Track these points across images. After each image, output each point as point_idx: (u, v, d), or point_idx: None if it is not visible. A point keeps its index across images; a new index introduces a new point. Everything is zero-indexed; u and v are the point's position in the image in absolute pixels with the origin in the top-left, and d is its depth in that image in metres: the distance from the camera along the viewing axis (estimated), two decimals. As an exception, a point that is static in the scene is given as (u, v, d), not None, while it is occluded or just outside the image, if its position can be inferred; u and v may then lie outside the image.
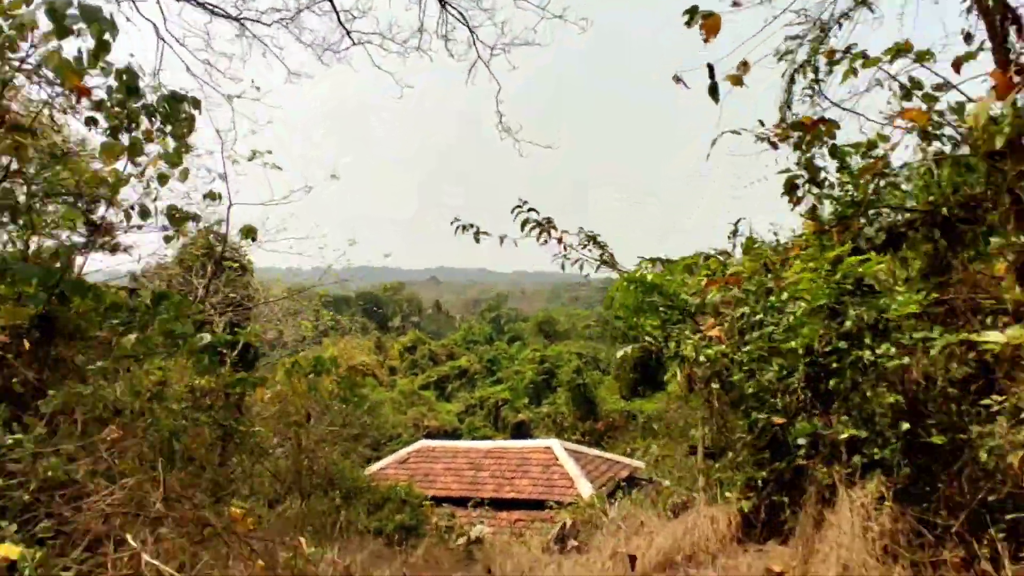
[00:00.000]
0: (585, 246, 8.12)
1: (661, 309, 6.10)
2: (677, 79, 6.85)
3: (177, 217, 6.22)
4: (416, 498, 18.57)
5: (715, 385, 5.32)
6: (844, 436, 4.14)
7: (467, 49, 9.68)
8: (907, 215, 5.23)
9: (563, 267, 8.44)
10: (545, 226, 7.80)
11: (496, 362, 49.44)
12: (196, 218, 6.41)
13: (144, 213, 6.69)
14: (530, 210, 7.46)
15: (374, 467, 21.28)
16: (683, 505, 7.13)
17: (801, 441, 4.36)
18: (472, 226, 8.20)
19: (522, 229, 7.65)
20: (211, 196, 7.25)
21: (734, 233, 7.58)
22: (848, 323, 4.42)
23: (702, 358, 5.13)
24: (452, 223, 8.33)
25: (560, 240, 8.03)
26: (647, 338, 5.96)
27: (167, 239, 6.84)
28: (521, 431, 34.90)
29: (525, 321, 76.94)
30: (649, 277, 6.25)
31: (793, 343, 4.58)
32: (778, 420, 4.59)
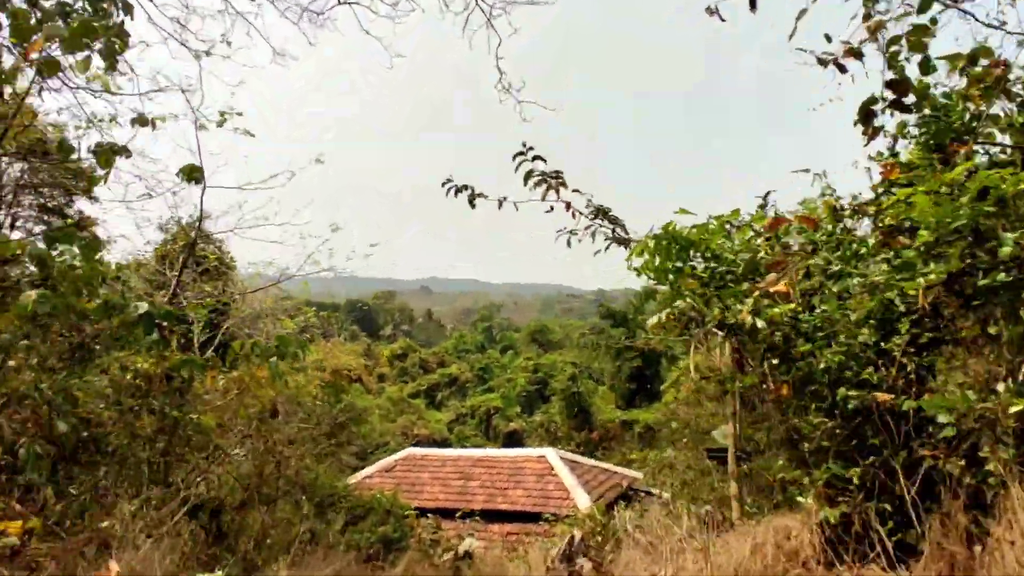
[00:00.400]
0: (595, 218, 6.90)
1: (701, 268, 4.88)
2: (711, 11, 5.73)
3: (102, 152, 5.04)
4: (401, 509, 17.26)
5: (773, 360, 4.11)
6: (1018, 408, 2.93)
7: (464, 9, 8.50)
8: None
9: (569, 243, 7.18)
10: (552, 182, 6.55)
11: (488, 370, 48.12)
12: (124, 151, 5.17)
13: (67, 149, 5.50)
14: (535, 158, 6.24)
15: (358, 475, 19.95)
16: (708, 518, 5.87)
17: (944, 419, 3.15)
18: (467, 187, 6.95)
19: (525, 183, 6.41)
20: (188, 173, 6.06)
21: (763, 206, 6.42)
22: (1005, 248, 3.21)
23: (760, 323, 3.93)
24: (443, 184, 7.06)
25: (568, 206, 6.79)
26: (685, 300, 4.70)
27: (92, 181, 5.57)
28: (513, 440, 33.62)
29: (518, 331, 75.72)
30: (685, 232, 5.03)
31: (915, 282, 3.36)
32: (883, 397, 3.39)
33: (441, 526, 15.00)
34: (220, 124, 8.81)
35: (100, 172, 5.29)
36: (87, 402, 5.37)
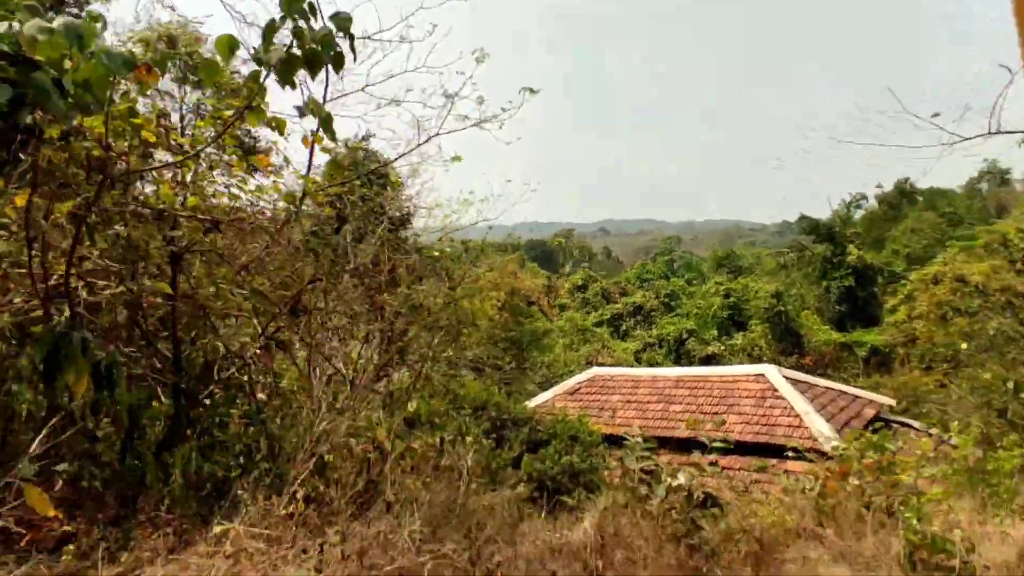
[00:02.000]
0: None
1: None
2: None
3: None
4: (590, 435, 14.52)
5: None
6: None
7: None
8: None
9: None
10: None
11: (675, 296, 44.12)
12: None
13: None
14: None
15: (536, 400, 17.42)
16: None
17: None
18: None
19: None
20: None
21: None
22: None
23: None
24: None
25: None
26: None
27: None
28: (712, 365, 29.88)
29: (698, 269, 70.38)
30: None
31: None
32: None
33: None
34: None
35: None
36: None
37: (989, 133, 6.26)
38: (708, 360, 30.45)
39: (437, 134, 8.92)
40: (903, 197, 55.12)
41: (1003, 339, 18.29)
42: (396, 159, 9.14)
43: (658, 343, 35.80)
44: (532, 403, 16.83)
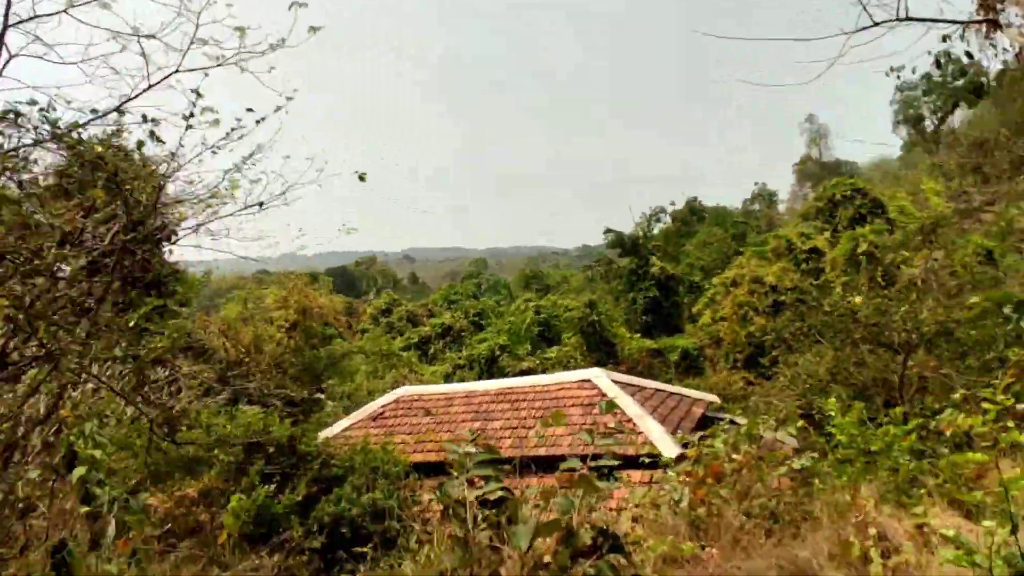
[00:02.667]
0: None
1: None
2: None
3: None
4: (396, 465, 12.09)
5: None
6: None
7: None
8: None
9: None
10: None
11: (485, 315, 42.77)
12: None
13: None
14: None
15: (331, 429, 14.65)
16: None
17: None
18: None
19: None
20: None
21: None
22: None
23: None
24: None
25: None
26: None
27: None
28: (527, 382, 28.53)
29: (507, 287, 70.33)
30: None
31: None
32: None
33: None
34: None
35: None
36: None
37: (898, 19, 4.93)
38: (524, 375, 29.19)
39: (176, 71, 6.19)
40: (692, 214, 58.72)
41: (797, 333, 18.49)
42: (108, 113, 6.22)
43: (469, 364, 34.04)
44: (326, 433, 14.04)
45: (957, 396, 5.94)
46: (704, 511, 5.92)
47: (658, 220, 52.29)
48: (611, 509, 8.60)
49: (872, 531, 5.01)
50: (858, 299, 11.92)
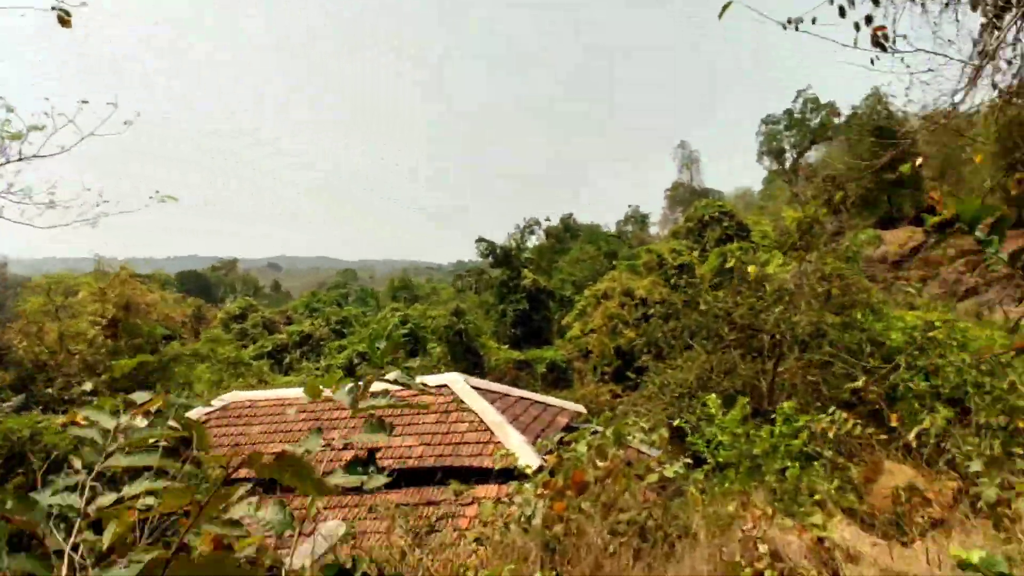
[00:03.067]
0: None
1: None
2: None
3: None
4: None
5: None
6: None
7: None
8: None
9: None
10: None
11: (348, 324, 40.46)
12: None
13: None
14: None
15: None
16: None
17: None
18: None
19: None
20: None
21: None
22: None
23: None
24: None
25: None
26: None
27: None
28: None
29: (374, 297, 67.86)
30: None
31: None
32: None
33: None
34: None
35: None
36: None
37: None
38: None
39: None
40: (567, 231, 59.03)
41: (666, 344, 18.21)
42: None
43: (326, 373, 31.80)
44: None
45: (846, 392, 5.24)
46: (561, 528, 4.78)
47: (532, 232, 52.07)
48: (458, 529, 7.32)
49: (763, 548, 4.06)
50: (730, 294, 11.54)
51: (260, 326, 41.72)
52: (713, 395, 6.24)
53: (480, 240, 39.73)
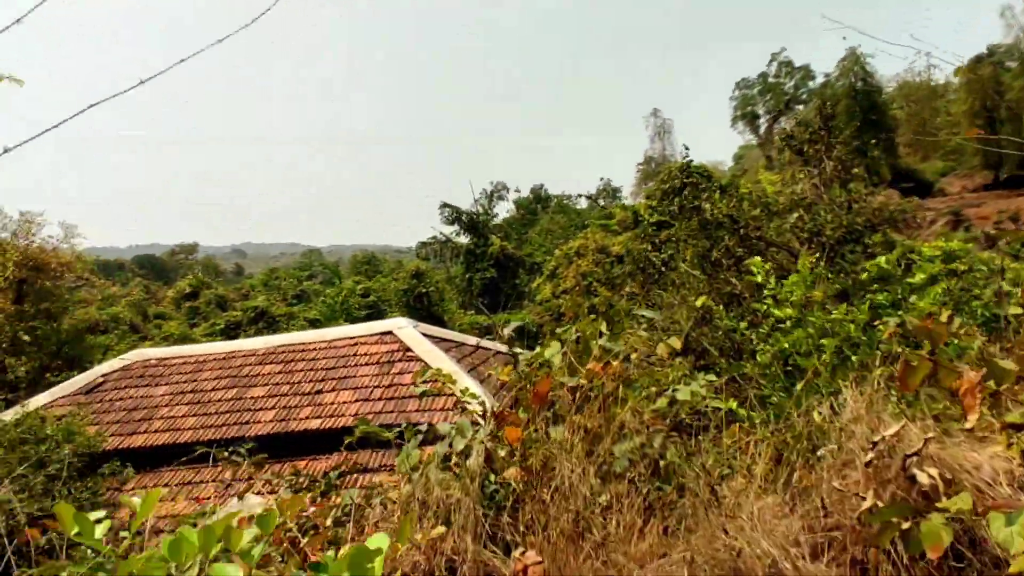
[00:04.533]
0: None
1: None
2: None
3: None
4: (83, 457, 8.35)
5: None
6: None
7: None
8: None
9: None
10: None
11: (305, 297, 38.18)
12: None
13: None
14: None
15: (28, 404, 10.35)
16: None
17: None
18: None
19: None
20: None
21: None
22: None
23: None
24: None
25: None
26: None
27: None
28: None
29: (337, 273, 65.24)
30: None
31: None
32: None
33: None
34: None
35: None
36: None
37: None
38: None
39: None
40: (537, 202, 57.05)
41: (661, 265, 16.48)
42: None
43: (282, 348, 29.59)
44: (7, 415, 9.80)
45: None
46: (517, 472, 2.85)
47: (501, 198, 49.76)
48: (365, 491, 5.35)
49: (930, 472, 2.12)
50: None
51: (212, 303, 39.22)
52: (758, 258, 4.42)
53: (444, 205, 37.63)
